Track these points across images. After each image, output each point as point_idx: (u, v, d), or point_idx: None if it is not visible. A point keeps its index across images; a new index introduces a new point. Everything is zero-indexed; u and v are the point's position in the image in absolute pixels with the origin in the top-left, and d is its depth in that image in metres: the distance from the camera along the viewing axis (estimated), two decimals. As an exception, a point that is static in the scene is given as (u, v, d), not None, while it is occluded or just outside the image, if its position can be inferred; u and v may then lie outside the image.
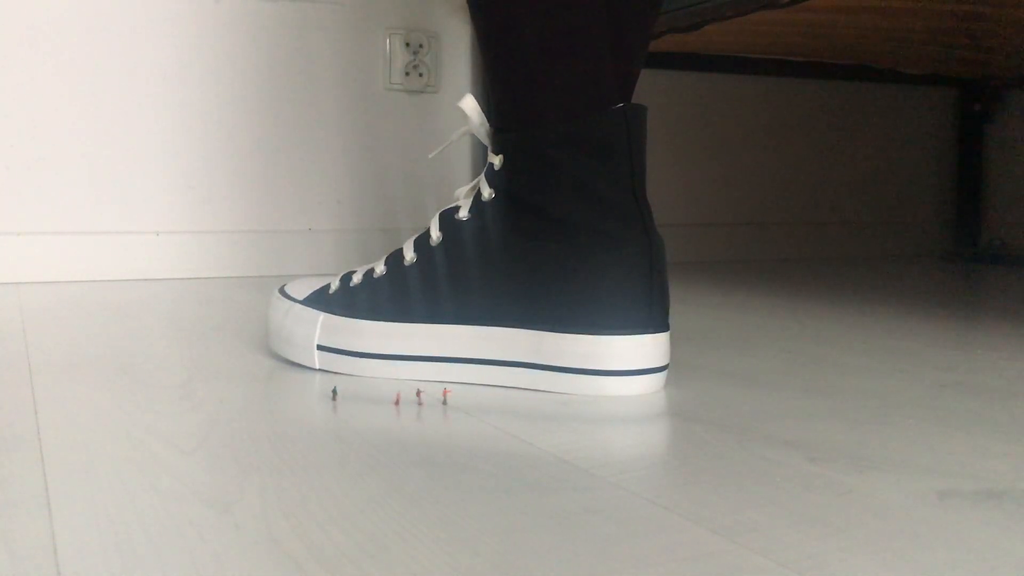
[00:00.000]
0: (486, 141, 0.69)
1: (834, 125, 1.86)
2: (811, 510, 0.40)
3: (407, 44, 1.51)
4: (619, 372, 0.63)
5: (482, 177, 0.67)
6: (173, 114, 1.38)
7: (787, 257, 1.82)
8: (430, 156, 0.90)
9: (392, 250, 1.14)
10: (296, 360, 0.71)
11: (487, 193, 0.66)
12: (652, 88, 1.69)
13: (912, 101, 1.94)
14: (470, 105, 0.68)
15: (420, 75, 1.52)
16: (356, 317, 0.68)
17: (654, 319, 0.63)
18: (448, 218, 0.67)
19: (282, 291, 0.74)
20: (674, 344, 0.82)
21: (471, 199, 0.67)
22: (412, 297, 0.67)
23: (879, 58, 1.71)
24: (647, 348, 0.63)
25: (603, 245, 0.63)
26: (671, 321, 0.96)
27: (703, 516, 0.39)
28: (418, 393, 0.60)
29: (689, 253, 1.73)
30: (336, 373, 0.68)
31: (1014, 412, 0.58)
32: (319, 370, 0.69)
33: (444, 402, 0.60)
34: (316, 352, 0.70)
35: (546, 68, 0.64)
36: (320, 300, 0.70)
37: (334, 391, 0.60)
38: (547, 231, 0.64)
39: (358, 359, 0.68)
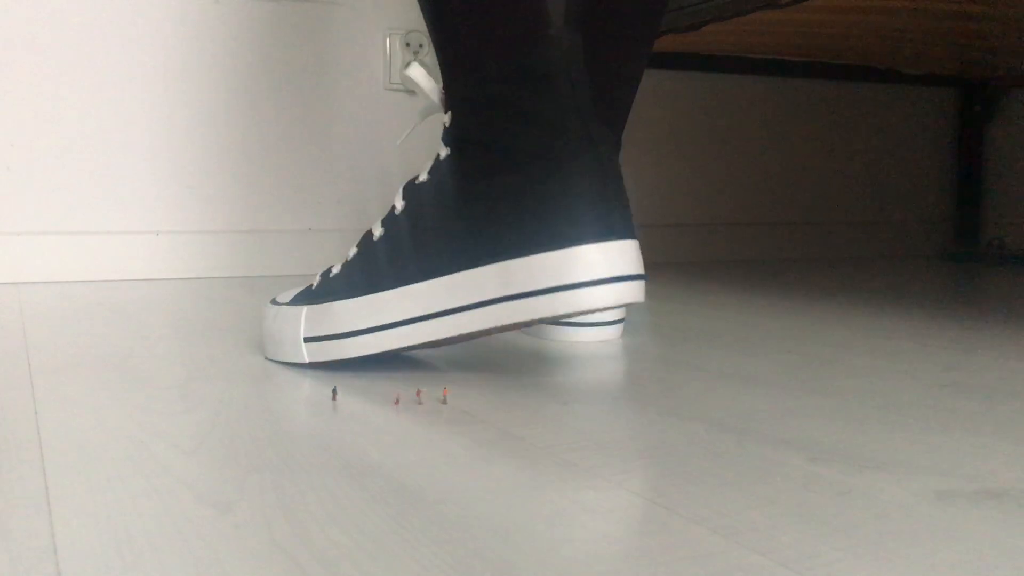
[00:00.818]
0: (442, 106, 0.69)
1: (834, 125, 1.86)
2: (811, 510, 0.40)
3: (407, 44, 1.51)
4: (591, 282, 0.61)
5: (439, 141, 0.68)
6: (173, 114, 1.38)
7: (787, 257, 1.82)
8: (397, 143, 0.90)
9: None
10: (288, 359, 0.71)
11: (443, 153, 0.67)
12: (652, 88, 1.69)
13: (912, 101, 1.94)
14: (417, 72, 0.68)
15: (420, 75, 1.52)
16: (334, 300, 0.69)
17: (616, 227, 0.62)
18: (410, 187, 0.68)
19: (272, 300, 0.75)
20: (674, 344, 0.82)
21: (430, 164, 0.68)
22: (381, 267, 0.68)
23: (879, 58, 1.71)
24: (613, 254, 0.61)
25: (554, 166, 0.62)
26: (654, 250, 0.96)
27: (703, 516, 0.39)
28: (418, 393, 0.60)
29: (689, 253, 1.73)
30: (328, 364, 0.69)
31: (1014, 412, 0.58)
32: (310, 366, 0.69)
33: (444, 402, 0.60)
34: (303, 346, 0.70)
35: (478, 10, 0.65)
36: (303, 297, 0.71)
37: (334, 391, 0.60)
38: (499, 166, 0.64)
39: (342, 341, 0.69)
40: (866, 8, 1.27)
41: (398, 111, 1.52)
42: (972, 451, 0.49)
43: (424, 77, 0.68)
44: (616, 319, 0.85)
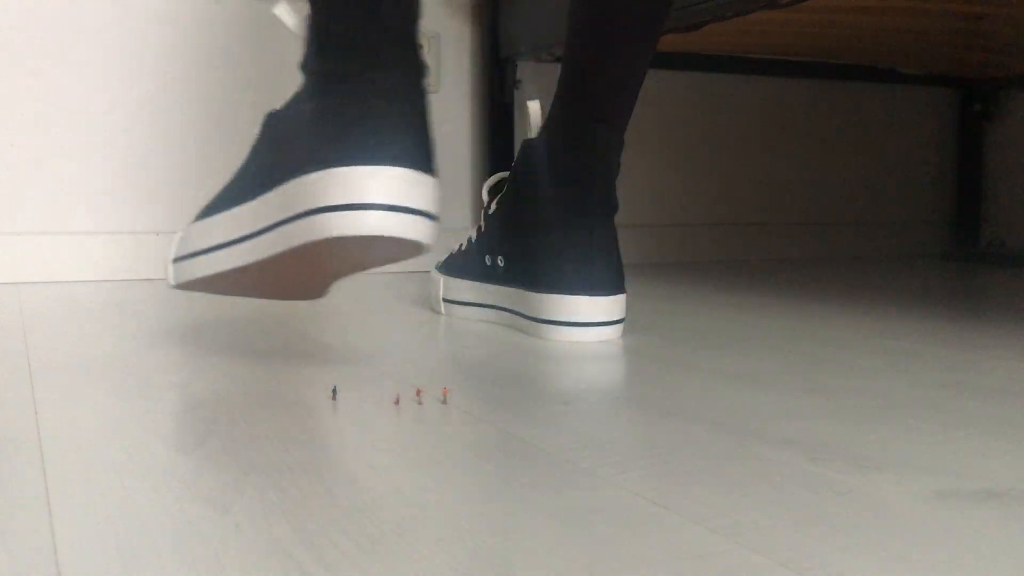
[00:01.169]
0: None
1: (834, 125, 1.86)
2: (811, 510, 0.40)
3: (407, 44, 1.51)
4: (351, 206, 0.58)
5: None
6: (173, 114, 1.38)
7: (787, 257, 1.82)
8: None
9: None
10: (172, 286, 0.73)
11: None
12: (652, 88, 1.69)
13: (912, 101, 1.94)
14: (282, 10, 0.68)
15: (420, 75, 1.52)
16: (192, 223, 0.70)
17: (403, 155, 0.59)
18: (268, 114, 0.69)
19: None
20: (674, 344, 0.82)
21: None
22: (228, 191, 0.68)
23: (879, 58, 1.71)
24: (384, 181, 0.58)
25: (346, 89, 0.60)
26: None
27: (703, 516, 0.39)
28: (418, 393, 0.60)
29: (688, 253, 1.73)
30: (192, 291, 0.69)
31: (1014, 412, 0.58)
32: (182, 290, 0.69)
33: (444, 402, 0.60)
34: (171, 267, 0.71)
35: None
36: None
37: (334, 391, 0.60)
38: (310, 92, 0.63)
39: (181, 263, 0.70)
40: (866, 8, 1.27)
41: (398, 111, 1.52)
42: (972, 451, 0.49)
43: (288, 14, 0.68)
44: (616, 319, 0.85)
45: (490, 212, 0.94)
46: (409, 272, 1.52)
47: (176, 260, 0.71)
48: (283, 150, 0.63)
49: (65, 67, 1.32)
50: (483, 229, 0.95)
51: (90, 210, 1.34)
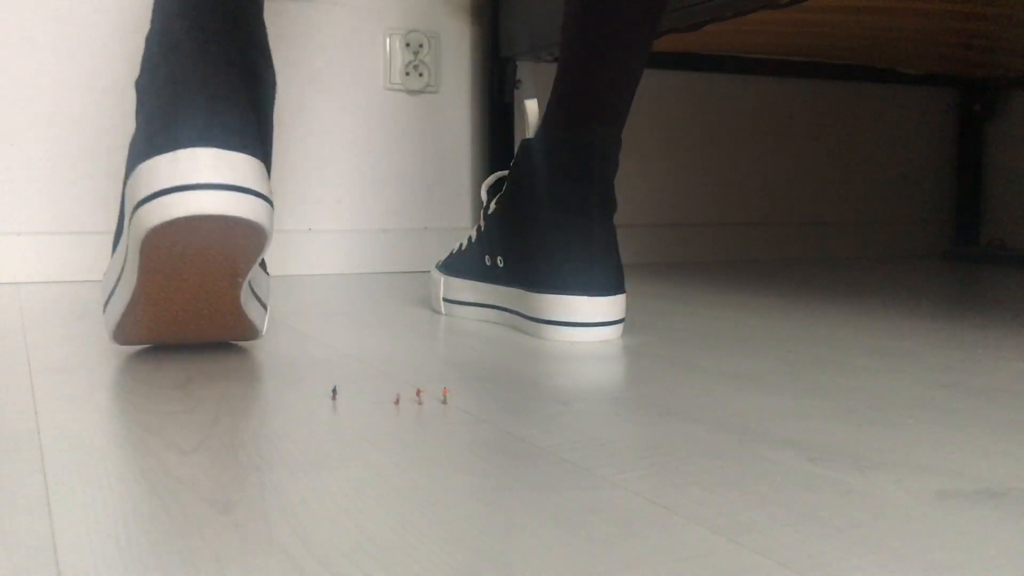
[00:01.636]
0: None
1: (834, 125, 1.86)
2: (811, 510, 0.40)
3: (407, 44, 1.51)
4: (169, 190, 0.57)
5: None
6: (173, 114, 1.38)
7: (787, 257, 1.82)
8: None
9: (394, 249, 1.13)
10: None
11: None
12: (652, 88, 1.69)
13: (912, 101, 1.94)
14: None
15: (420, 75, 1.52)
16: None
17: (213, 133, 0.58)
18: None
19: None
20: (674, 344, 0.82)
21: None
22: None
23: (879, 58, 1.71)
24: (188, 162, 0.57)
25: (176, 83, 0.60)
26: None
27: (703, 516, 0.39)
28: (418, 393, 0.60)
29: (688, 253, 1.73)
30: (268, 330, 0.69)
31: (1014, 412, 0.58)
32: (324, 374, 0.69)
33: (444, 402, 0.60)
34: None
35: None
36: None
37: (334, 391, 0.60)
38: (138, 100, 0.63)
39: (110, 303, 0.71)
40: (866, 8, 1.27)
41: (398, 111, 1.52)
42: (972, 451, 0.49)
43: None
44: (616, 319, 0.85)
45: (489, 212, 0.94)
46: (409, 272, 1.52)
47: (103, 308, 0.71)
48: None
49: (65, 68, 1.32)
50: (483, 229, 0.95)
51: (89, 210, 1.34)
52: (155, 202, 0.55)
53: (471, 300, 0.97)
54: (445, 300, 1.00)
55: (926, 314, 1.02)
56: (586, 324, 0.84)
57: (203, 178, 0.55)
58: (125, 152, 1.36)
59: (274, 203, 0.61)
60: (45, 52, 1.31)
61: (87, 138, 1.34)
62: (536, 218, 0.87)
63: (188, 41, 0.60)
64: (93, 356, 0.75)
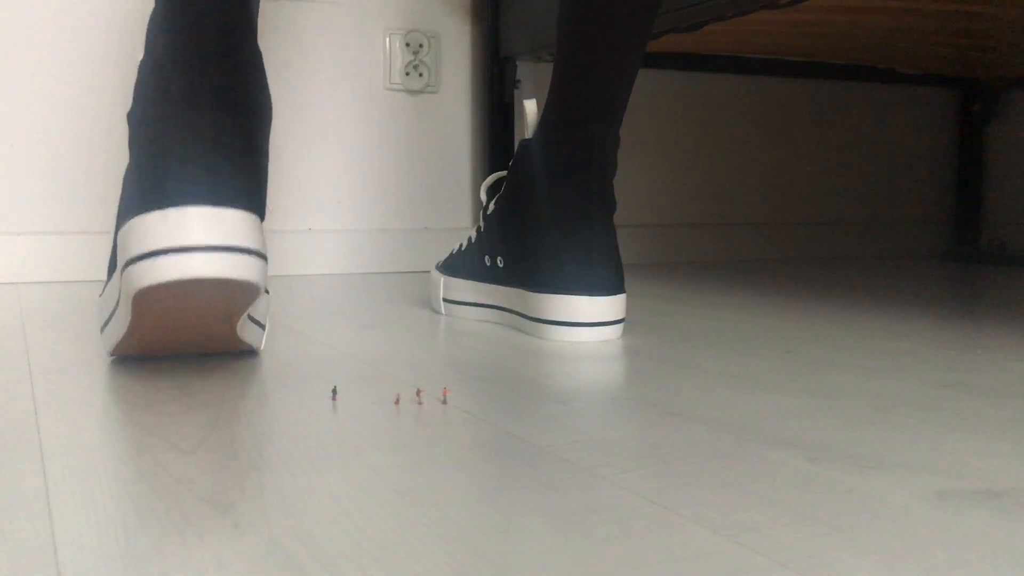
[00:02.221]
0: None
1: (834, 125, 1.86)
2: (811, 510, 0.40)
3: (407, 44, 1.51)
4: (151, 253, 0.58)
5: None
6: (173, 114, 1.38)
7: (787, 257, 1.82)
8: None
9: (393, 249, 1.13)
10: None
11: None
12: (652, 88, 1.69)
13: (912, 101, 1.94)
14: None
15: (420, 75, 1.52)
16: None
17: (183, 193, 0.57)
18: None
19: None
20: (674, 344, 0.82)
21: None
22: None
23: (879, 58, 1.71)
24: (172, 224, 0.56)
25: (169, 133, 0.58)
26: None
27: (703, 516, 0.39)
28: (418, 393, 0.60)
29: (688, 253, 1.73)
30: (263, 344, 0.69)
31: (1014, 412, 0.58)
32: (324, 375, 0.69)
33: (444, 402, 0.60)
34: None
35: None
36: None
37: (334, 391, 0.60)
38: (130, 140, 0.62)
39: (107, 326, 0.70)
40: (866, 8, 1.27)
41: (398, 111, 1.52)
42: (972, 451, 0.49)
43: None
44: (616, 319, 0.85)
45: (488, 212, 0.94)
46: (409, 272, 1.52)
47: (101, 329, 0.71)
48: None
49: (64, 67, 1.32)
50: (482, 229, 0.95)
51: (89, 210, 1.34)
52: (146, 263, 0.54)
53: (471, 300, 0.97)
54: (445, 300, 1.00)
55: (926, 314, 1.02)
56: (586, 324, 0.83)
57: (193, 240, 0.54)
58: (125, 152, 1.36)
59: (267, 255, 0.60)
60: (45, 52, 1.31)
61: (87, 138, 1.34)
62: (536, 218, 0.86)
63: (178, 77, 0.58)
64: (93, 356, 0.75)
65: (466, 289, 0.97)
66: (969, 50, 1.57)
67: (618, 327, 0.85)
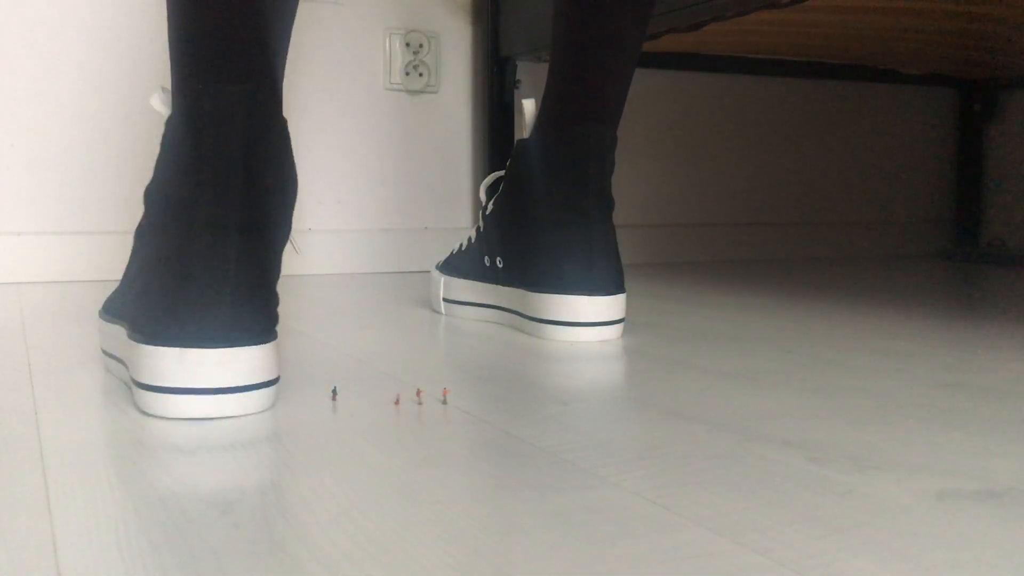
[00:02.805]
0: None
1: (834, 125, 1.86)
2: (811, 510, 0.40)
3: (407, 44, 1.51)
4: None
5: None
6: (173, 114, 1.38)
7: (787, 257, 1.82)
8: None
9: (397, 248, 1.12)
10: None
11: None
12: (652, 88, 1.69)
13: (912, 101, 1.94)
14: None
15: (420, 75, 1.52)
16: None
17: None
18: None
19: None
20: (674, 344, 0.82)
21: None
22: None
23: (879, 58, 1.71)
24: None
25: (195, 231, 0.56)
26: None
27: (703, 516, 0.39)
28: (418, 393, 0.60)
29: (688, 253, 1.73)
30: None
31: (1014, 412, 0.58)
32: (323, 375, 0.69)
33: (444, 402, 0.60)
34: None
35: (183, 31, 0.60)
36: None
37: (334, 391, 0.60)
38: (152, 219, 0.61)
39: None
40: (866, 8, 1.27)
41: (398, 111, 1.52)
42: (972, 451, 0.49)
43: (161, 104, 0.66)
44: (616, 319, 0.85)
45: (487, 212, 0.94)
46: (409, 272, 1.52)
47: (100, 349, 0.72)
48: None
49: (64, 68, 1.32)
50: (482, 229, 0.94)
51: (89, 210, 1.34)
52: (159, 397, 0.55)
53: (471, 300, 0.96)
54: (445, 300, 0.99)
55: (926, 314, 1.02)
56: (586, 324, 0.83)
57: (209, 383, 0.55)
58: (125, 152, 1.36)
59: (279, 373, 0.61)
60: (45, 53, 1.31)
61: (87, 138, 1.34)
62: (534, 218, 0.86)
63: (203, 203, 0.56)
64: (93, 356, 0.75)
65: (466, 289, 0.97)
66: (969, 50, 1.57)
67: (618, 327, 0.85)
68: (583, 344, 0.82)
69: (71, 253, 1.33)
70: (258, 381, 0.56)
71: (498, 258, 0.91)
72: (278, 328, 0.75)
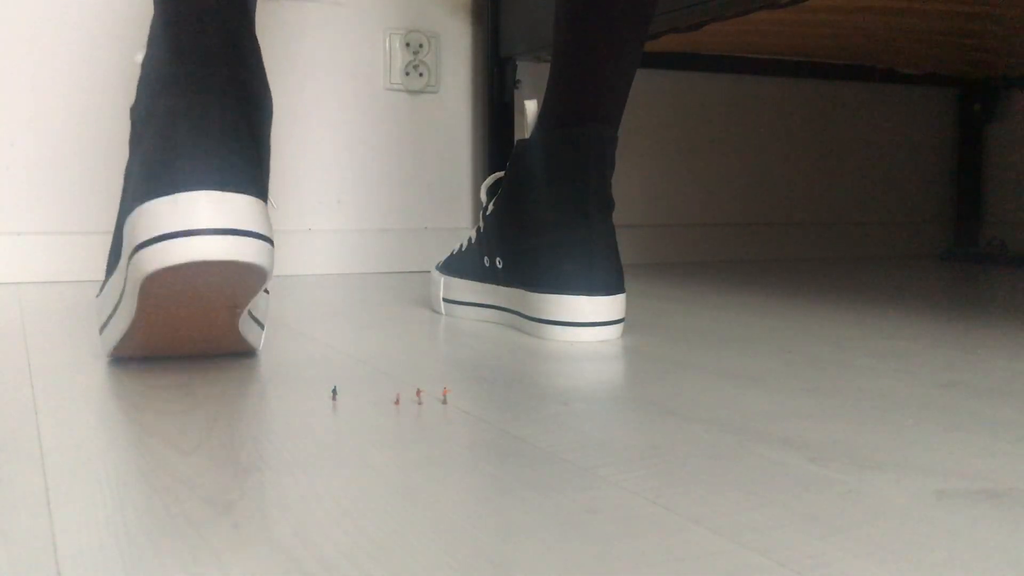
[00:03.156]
0: None
1: (834, 125, 1.86)
2: (811, 510, 0.40)
3: (407, 44, 1.51)
4: (170, 235, 0.58)
5: None
6: (173, 114, 1.38)
7: (787, 257, 1.82)
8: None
9: (398, 249, 1.12)
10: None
11: None
12: (653, 88, 1.69)
13: (912, 101, 1.94)
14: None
15: (420, 75, 1.52)
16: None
17: (202, 178, 0.58)
18: None
19: None
20: (674, 344, 0.82)
21: None
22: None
23: (879, 58, 1.71)
24: (185, 206, 0.57)
25: (176, 118, 0.59)
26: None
27: (703, 516, 0.39)
28: (418, 393, 0.60)
29: (689, 253, 1.73)
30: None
31: (1014, 412, 0.58)
32: (323, 373, 0.69)
33: (444, 402, 0.60)
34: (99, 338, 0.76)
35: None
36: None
37: (334, 391, 0.60)
38: (133, 129, 0.63)
39: (107, 327, 0.71)
40: (866, 8, 1.27)
41: (398, 111, 1.52)
42: (972, 451, 0.49)
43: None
44: (616, 319, 0.85)
45: (487, 213, 0.94)
46: (409, 272, 1.52)
47: (100, 331, 0.72)
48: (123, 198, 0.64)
49: (65, 68, 1.32)
50: (482, 230, 0.94)
51: (89, 210, 1.34)
52: (156, 247, 0.55)
53: (471, 300, 0.97)
54: (445, 300, 0.99)
55: (926, 314, 1.02)
56: (586, 324, 0.83)
57: (204, 223, 0.55)
58: (125, 152, 1.36)
59: (274, 241, 0.61)
60: (45, 53, 1.31)
61: (87, 138, 1.34)
62: (533, 218, 0.86)
63: (184, 73, 0.60)
64: (93, 356, 0.75)
65: (466, 289, 0.97)
66: (969, 50, 1.57)
67: (618, 327, 0.85)
68: (583, 344, 0.82)
69: (71, 253, 1.33)
70: (251, 228, 0.56)
71: (498, 258, 0.91)
72: (271, 205, 0.76)
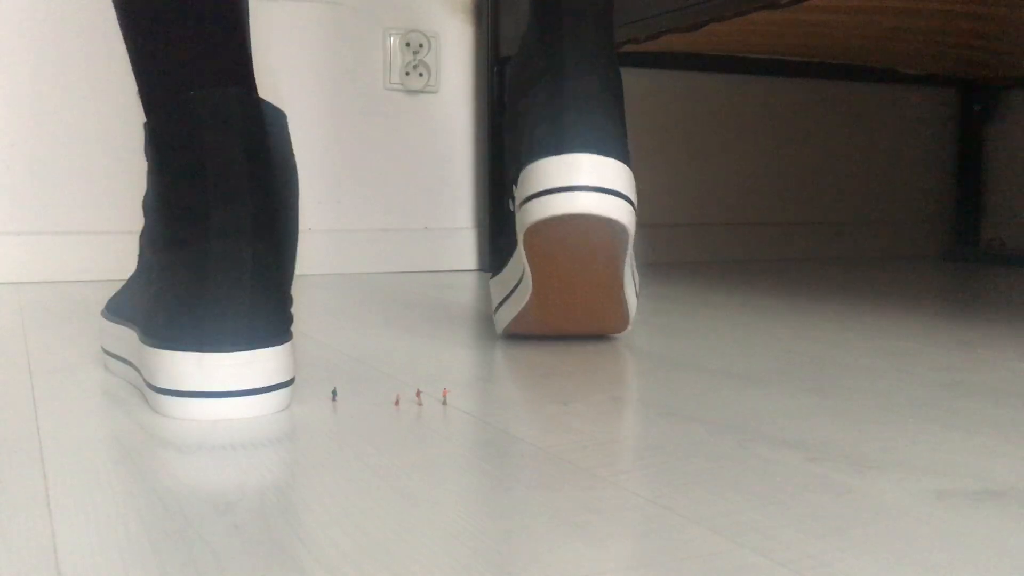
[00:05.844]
0: None
1: (834, 125, 1.86)
2: (811, 510, 0.40)
3: (407, 44, 1.51)
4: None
5: None
6: (173, 114, 1.38)
7: (787, 257, 1.82)
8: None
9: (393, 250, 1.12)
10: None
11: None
12: (652, 88, 1.69)
13: (912, 101, 1.94)
14: None
15: (420, 75, 1.52)
16: None
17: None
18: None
19: None
20: (674, 344, 0.82)
21: None
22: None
23: (879, 58, 1.71)
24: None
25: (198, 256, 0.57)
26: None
27: (703, 516, 0.39)
28: (418, 393, 0.60)
29: (689, 253, 1.73)
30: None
31: (1014, 412, 0.58)
32: (325, 375, 0.69)
33: (444, 402, 0.60)
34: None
35: (145, 41, 0.59)
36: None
37: (334, 391, 0.60)
38: (155, 239, 0.60)
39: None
40: (866, 8, 1.27)
41: (398, 111, 1.52)
42: (972, 451, 0.49)
43: None
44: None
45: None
46: (409, 272, 1.52)
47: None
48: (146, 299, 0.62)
49: (65, 67, 1.32)
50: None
51: (90, 210, 1.34)
52: (178, 400, 0.56)
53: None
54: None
55: (926, 314, 1.02)
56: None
57: (229, 386, 0.56)
58: (125, 152, 1.36)
59: (295, 377, 0.64)
60: (45, 53, 1.31)
61: (87, 138, 1.34)
62: (521, 104, 0.76)
63: (209, 200, 0.56)
64: (93, 356, 0.75)
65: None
66: (969, 50, 1.57)
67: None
68: (583, 344, 0.82)
69: (71, 253, 1.33)
70: (275, 383, 0.57)
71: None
72: (293, 328, 0.76)
